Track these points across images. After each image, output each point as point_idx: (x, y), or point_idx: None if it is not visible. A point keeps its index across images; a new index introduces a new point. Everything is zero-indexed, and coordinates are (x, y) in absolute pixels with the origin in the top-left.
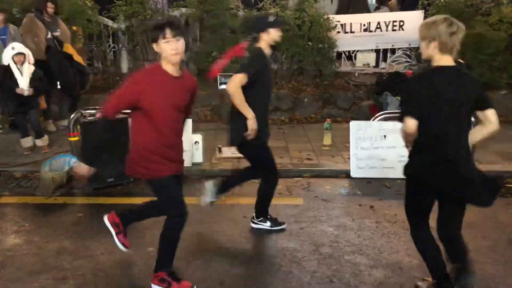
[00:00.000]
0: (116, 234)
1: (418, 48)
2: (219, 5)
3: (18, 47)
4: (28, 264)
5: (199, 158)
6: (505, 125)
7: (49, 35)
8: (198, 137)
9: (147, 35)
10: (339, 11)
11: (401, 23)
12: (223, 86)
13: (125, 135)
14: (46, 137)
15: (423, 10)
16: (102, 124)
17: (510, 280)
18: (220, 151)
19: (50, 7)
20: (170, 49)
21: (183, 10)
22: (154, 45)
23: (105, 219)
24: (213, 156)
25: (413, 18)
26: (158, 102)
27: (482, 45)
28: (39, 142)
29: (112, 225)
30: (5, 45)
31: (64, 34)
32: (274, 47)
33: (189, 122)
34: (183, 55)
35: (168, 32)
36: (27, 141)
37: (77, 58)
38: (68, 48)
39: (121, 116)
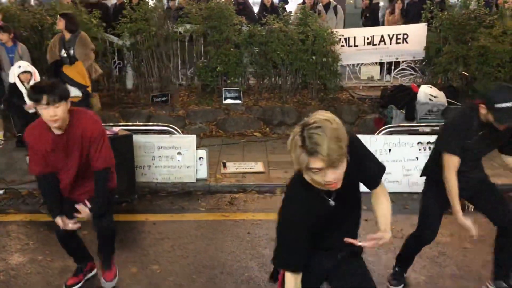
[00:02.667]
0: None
1: (423, 60)
2: (223, 21)
3: (24, 65)
4: (31, 284)
5: (203, 173)
6: None
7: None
8: (203, 152)
9: (152, 51)
10: None
11: (405, 36)
12: (227, 101)
13: (130, 152)
14: None
15: (427, 23)
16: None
17: None
18: (224, 166)
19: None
20: (49, 116)
21: (188, 26)
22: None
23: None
24: (217, 171)
25: (417, 31)
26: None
27: (486, 57)
28: None
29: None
30: (12, 64)
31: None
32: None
33: (193, 138)
34: (65, 119)
35: (44, 99)
36: None
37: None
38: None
39: (125, 133)
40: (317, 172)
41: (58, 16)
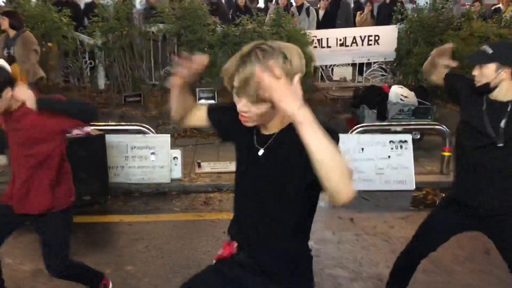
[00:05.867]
0: None
1: (393, 62)
2: (196, 21)
3: None
4: None
5: (178, 173)
6: None
7: (5, 52)
8: (177, 152)
9: (124, 51)
10: None
11: (376, 38)
12: (201, 101)
13: (103, 153)
14: None
15: (397, 25)
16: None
17: None
18: (199, 166)
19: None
20: None
21: (161, 26)
22: None
23: None
24: (192, 171)
25: (388, 33)
26: None
27: (455, 58)
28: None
29: None
30: None
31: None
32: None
33: (167, 137)
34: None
35: None
36: (1, 159)
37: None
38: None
39: (98, 133)
40: (234, 92)
41: (0, 15)
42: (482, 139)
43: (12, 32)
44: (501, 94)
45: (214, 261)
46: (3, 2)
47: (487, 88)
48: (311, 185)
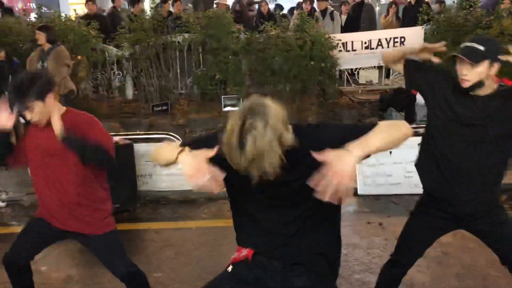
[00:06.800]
0: None
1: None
2: (220, 29)
3: None
4: None
5: None
6: None
7: (40, 65)
8: None
9: (151, 61)
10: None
11: (402, 39)
12: (227, 108)
13: (131, 161)
14: None
15: (423, 26)
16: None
17: None
18: None
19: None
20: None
21: (186, 35)
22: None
23: None
24: None
25: (414, 34)
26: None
27: None
28: None
29: None
30: None
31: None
32: None
33: None
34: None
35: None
36: None
37: None
38: None
39: (126, 142)
40: None
41: (37, 30)
42: (470, 136)
43: (47, 46)
44: (481, 90)
45: (230, 266)
46: (35, 17)
47: (479, 86)
48: None
